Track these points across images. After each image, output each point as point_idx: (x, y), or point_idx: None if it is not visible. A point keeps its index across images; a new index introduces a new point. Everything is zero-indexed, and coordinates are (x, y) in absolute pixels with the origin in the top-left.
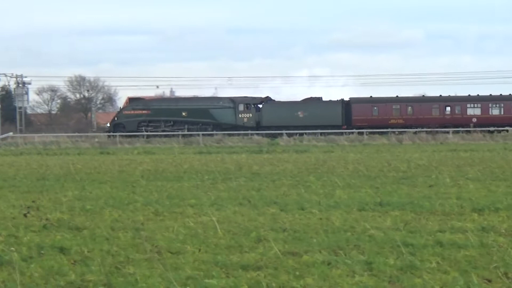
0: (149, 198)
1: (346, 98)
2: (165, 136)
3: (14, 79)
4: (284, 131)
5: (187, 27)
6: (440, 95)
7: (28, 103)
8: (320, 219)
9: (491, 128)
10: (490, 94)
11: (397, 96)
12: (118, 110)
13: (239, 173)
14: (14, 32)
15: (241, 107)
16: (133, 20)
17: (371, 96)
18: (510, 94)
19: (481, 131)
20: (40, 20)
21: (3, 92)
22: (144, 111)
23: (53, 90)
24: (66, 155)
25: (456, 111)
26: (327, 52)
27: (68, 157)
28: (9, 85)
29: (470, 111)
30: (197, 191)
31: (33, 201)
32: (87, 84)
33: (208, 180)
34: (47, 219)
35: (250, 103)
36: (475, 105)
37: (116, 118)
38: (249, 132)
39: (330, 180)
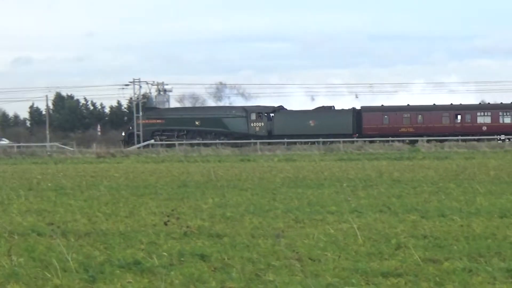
0: (289, 205)
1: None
2: (305, 143)
3: (155, 86)
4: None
5: (327, 34)
6: (451, 104)
7: None
8: (461, 226)
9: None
10: (501, 103)
11: (408, 104)
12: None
13: (380, 180)
14: (155, 40)
15: (253, 116)
16: (273, 27)
17: (382, 105)
18: None
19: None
20: (181, 28)
21: (145, 100)
22: (158, 121)
23: (193, 97)
24: (207, 162)
25: (466, 120)
26: (468, 58)
27: (209, 164)
28: (150, 93)
29: (480, 120)
30: (337, 198)
31: (172, 210)
32: (228, 91)
33: (348, 187)
34: (187, 227)
35: (262, 112)
36: (485, 114)
37: (130, 127)
38: (389, 139)
39: (471, 187)
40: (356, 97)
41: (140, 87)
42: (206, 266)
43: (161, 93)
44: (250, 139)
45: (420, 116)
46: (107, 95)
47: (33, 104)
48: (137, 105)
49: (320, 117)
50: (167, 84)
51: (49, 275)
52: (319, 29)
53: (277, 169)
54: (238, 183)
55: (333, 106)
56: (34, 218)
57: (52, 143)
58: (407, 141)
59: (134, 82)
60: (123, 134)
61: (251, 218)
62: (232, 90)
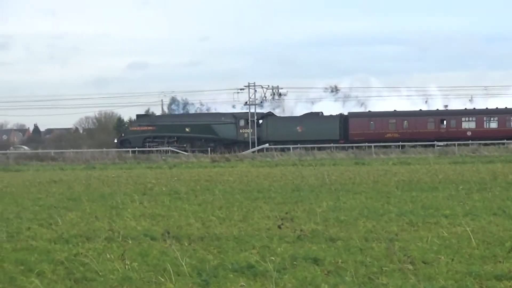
0: (403, 209)
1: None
2: (420, 146)
3: (270, 90)
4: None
5: (440, 36)
6: (437, 109)
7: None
8: None
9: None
10: (486, 108)
11: (394, 110)
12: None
13: (494, 182)
14: (269, 44)
15: (242, 122)
16: (388, 30)
17: (369, 111)
18: (506, 108)
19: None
20: (295, 31)
21: (260, 104)
22: (149, 127)
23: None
24: (321, 166)
25: (451, 125)
26: None
27: (323, 168)
28: (265, 97)
29: (465, 125)
30: (451, 201)
31: (286, 213)
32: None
33: (462, 190)
34: (301, 230)
35: (251, 118)
36: (470, 119)
37: (123, 134)
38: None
39: None
40: (470, 100)
41: (255, 91)
42: (319, 270)
43: (276, 97)
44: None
45: (405, 121)
46: (221, 99)
47: (148, 109)
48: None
49: (307, 123)
50: (281, 88)
51: (162, 280)
52: (434, 31)
53: (391, 172)
54: (352, 186)
55: (321, 112)
56: (148, 223)
57: (166, 148)
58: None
59: (249, 86)
60: (115, 141)
61: (365, 221)
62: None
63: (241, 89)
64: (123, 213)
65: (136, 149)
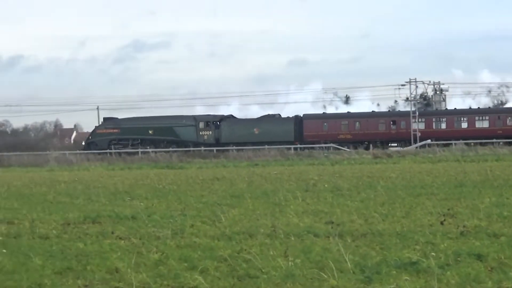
0: None
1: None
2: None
3: (432, 86)
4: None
5: None
6: (389, 110)
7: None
8: None
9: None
10: (436, 109)
11: (348, 112)
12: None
13: None
14: (431, 40)
15: (201, 125)
16: None
17: (323, 113)
18: (455, 109)
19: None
20: (456, 27)
21: (422, 100)
22: (114, 130)
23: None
24: (484, 161)
25: (401, 126)
26: None
27: (485, 164)
28: (426, 93)
29: (414, 126)
30: None
31: (448, 209)
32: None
33: None
34: (464, 226)
35: (211, 121)
36: (420, 120)
37: (90, 137)
38: None
39: None
40: None
41: (417, 87)
42: (483, 266)
43: (437, 92)
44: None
45: (357, 123)
46: (383, 95)
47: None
48: (414, 105)
49: (263, 125)
50: (443, 84)
51: (325, 276)
52: None
53: None
54: None
55: (279, 114)
56: (311, 219)
57: (328, 145)
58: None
59: (410, 82)
60: (83, 143)
61: None
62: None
63: (402, 85)
64: (286, 209)
65: (108, 151)
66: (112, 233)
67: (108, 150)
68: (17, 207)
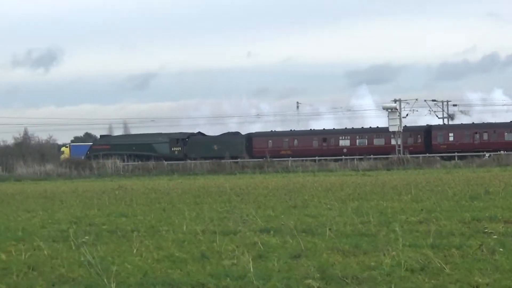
0: None
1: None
2: None
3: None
4: None
5: None
6: (323, 129)
7: None
8: None
9: (358, 157)
10: (362, 127)
11: (290, 130)
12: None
13: None
14: None
15: (173, 141)
16: None
17: (271, 130)
18: (377, 127)
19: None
20: None
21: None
22: (106, 146)
23: None
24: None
25: (331, 143)
26: None
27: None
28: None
29: (342, 143)
30: None
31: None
32: None
33: None
34: None
35: (180, 138)
36: (346, 137)
37: (88, 152)
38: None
39: None
40: None
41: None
42: None
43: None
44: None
45: (295, 140)
46: None
47: None
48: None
49: (221, 142)
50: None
51: None
52: None
53: None
54: None
55: (239, 132)
56: None
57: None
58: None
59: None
60: (82, 157)
61: None
62: None
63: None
64: None
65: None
66: None
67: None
68: None
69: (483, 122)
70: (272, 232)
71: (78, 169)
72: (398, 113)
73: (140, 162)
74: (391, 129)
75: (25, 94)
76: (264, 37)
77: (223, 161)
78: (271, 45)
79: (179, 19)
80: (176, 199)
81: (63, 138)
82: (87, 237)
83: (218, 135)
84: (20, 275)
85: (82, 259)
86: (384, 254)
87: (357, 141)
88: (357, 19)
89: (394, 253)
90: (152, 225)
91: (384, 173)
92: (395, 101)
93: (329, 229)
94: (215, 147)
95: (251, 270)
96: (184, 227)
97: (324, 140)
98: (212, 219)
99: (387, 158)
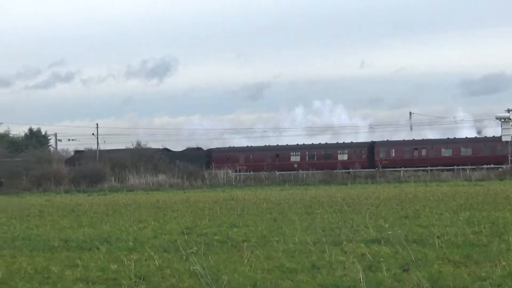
0: None
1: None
2: None
3: None
4: None
5: None
6: (277, 144)
7: None
8: None
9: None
10: (312, 143)
11: (247, 146)
12: None
13: None
14: None
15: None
16: None
17: (229, 146)
18: (326, 143)
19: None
20: None
21: None
22: None
23: None
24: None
25: (284, 158)
26: None
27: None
28: None
29: (292, 158)
30: None
31: None
32: None
33: None
34: None
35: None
36: (296, 153)
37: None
38: None
39: None
40: None
41: None
42: None
43: None
44: None
45: (251, 155)
46: None
47: None
48: None
49: (183, 157)
50: None
51: None
52: None
53: None
54: None
55: (200, 148)
56: None
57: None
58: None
59: None
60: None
61: None
62: None
63: None
64: None
65: None
66: None
67: None
68: None
69: None
70: (382, 242)
71: (190, 179)
72: (511, 123)
73: (252, 173)
74: (504, 139)
75: (139, 104)
76: (378, 47)
77: (335, 171)
78: (385, 55)
79: (292, 28)
80: (287, 209)
81: (176, 148)
82: (195, 247)
83: (181, 151)
84: (130, 285)
85: (193, 267)
86: (496, 265)
87: (307, 157)
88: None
89: (505, 263)
90: (263, 235)
91: (496, 183)
92: (508, 110)
93: (438, 237)
94: (178, 161)
95: (362, 280)
96: (296, 238)
97: (277, 156)
98: (324, 229)
99: (499, 168)
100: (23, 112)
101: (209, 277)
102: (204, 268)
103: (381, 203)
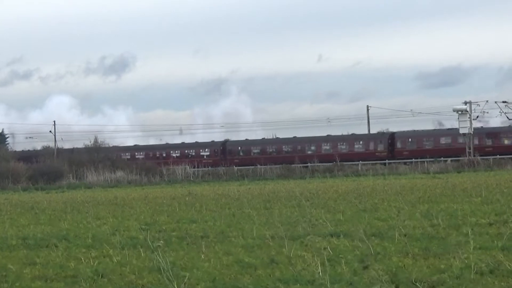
0: None
1: None
2: None
3: None
4: None
5: None
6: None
7: None
8: None
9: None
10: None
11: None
12: None
13: None
14: None
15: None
16: None
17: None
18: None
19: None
20: None
21: None
22: None
23: None
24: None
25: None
26: None
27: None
28: None
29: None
30: None
31: None
32: None
33: None
34: None
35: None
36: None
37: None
38: None
39: None
40: None
41: None
42: None
43: None
44: None
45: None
46: None
47: None
48: None
49: None
50: None
51: None
52: None
53: None
54: None
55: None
56: None
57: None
58: None
59: None
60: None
61: None
62: None
63: None
64: None
65: None
66: None
67: None
68: None
69: None
70: (341, 236)
71: (148, 175)
72: (468, 115)
73: (210, 168)
74: (461, 131)
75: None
76: (334, 40)
77: (293, 165)
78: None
79: (248, 23)
80: (246, 204)
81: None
82: (162, 241)
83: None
84: (88, 282)
85: (156, 263)
86: (454, 257)
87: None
88: (429, 20)
89: (464, 256)
90: (222, 230)
91: (454, 176)
92: (465, 103)
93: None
94: None
95: (321, 274)
96: (254, 233)
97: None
98: (282, 224)
99: (458, 160)
100: None
101: (170, 272)
102: (167, 263)
103: (339, 197)
